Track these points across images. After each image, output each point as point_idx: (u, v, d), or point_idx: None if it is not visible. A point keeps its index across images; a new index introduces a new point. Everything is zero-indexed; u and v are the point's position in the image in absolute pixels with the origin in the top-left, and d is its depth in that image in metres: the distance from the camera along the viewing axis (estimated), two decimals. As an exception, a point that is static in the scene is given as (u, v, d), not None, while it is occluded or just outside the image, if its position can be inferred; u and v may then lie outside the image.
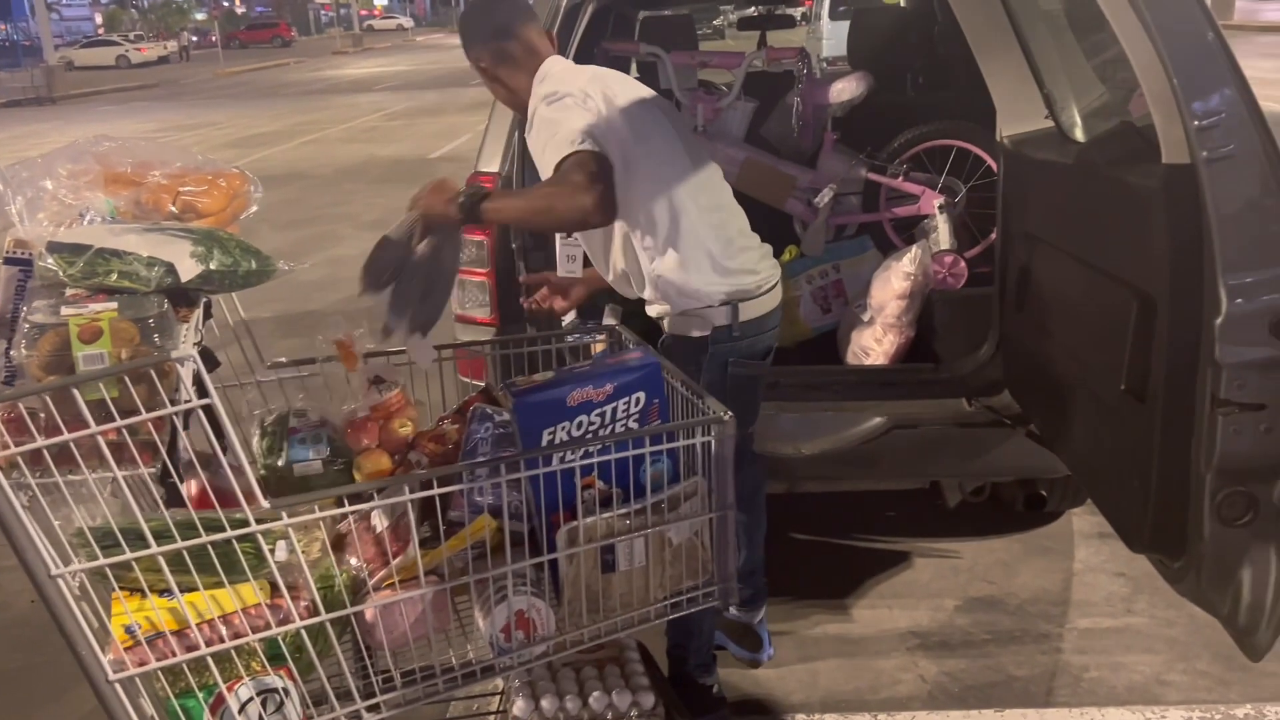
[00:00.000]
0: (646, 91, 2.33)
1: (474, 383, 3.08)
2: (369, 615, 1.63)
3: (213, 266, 1.62)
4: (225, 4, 76.72)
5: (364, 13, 70.12)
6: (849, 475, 3.13)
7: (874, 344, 3.21)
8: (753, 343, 2.34)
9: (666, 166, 2.25)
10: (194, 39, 51.93)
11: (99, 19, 63.36)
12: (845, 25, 5.12)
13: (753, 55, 3.56)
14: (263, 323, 6.65)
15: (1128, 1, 1.54)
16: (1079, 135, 2.56)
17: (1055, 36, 2.66)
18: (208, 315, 1.92)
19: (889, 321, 3.17)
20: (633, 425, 1.85)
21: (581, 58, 3.28)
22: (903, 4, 4.88)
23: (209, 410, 1.46)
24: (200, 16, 65.56)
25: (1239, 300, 1.55)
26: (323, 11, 77.58)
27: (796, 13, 6.29)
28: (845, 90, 3.48)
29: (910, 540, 3.56)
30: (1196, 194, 1.55)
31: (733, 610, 2.76)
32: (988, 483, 3.34)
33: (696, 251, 2.24)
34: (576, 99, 2.16)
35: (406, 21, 73.67)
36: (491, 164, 3.03)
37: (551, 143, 2.11)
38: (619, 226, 2.29)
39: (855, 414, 2.98)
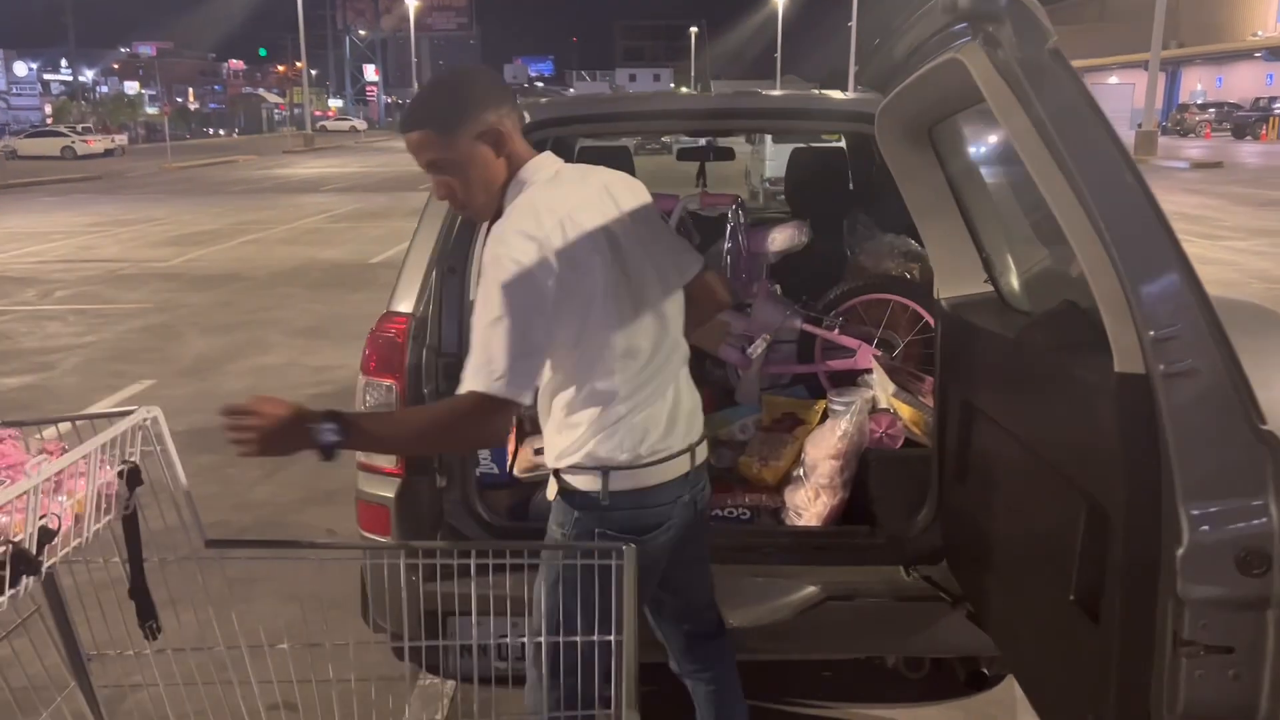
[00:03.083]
0: (598, 239, 2.02)
1: (375, 538, 2.86)
2: None
3: None
4: (179, 100, 77.21)
5: (318, 114, 70.92)
6: (780, 649, 2.90)
7: (807, 504, 3.03)
8: (628, 516, 2.10)
9: (593, 330, 2.02)
10: (142, 133, 51.85)
11: (49, 109, 63.23)
12: (788, 148, 5.10)
13: (687, 199, 3.47)
14: (175, 436, 6.31)
15: (1079, 202, 1.42)
16: (1019, 302, 2.46)
17: (995, 198, 2.58)
18: (137, 483, 1.77)
19: (822, 482, 3.00)
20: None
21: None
22: (841, 143, 4.86)
23: None
24: (152, 111, 65.74)
25: (1204, 529, 1.39)
26: (277, 111, 78.48)
27: (735, 144, 6.31)
28: (780, 240, 3.39)
29: (848, 706, 3.34)
30: (1153, 409, 1.41)
31: None
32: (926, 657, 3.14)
33: (585, 408, 2.05)
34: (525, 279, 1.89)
35: (360, 123, 74.70)
36: (405, 303, 2.83)
37: (477, 352, 1.89)
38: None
39: (788, 581, 2.79)
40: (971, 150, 2.54)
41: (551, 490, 2.17)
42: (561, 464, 2.11)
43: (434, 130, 1.97)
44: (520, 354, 1.88)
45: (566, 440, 2.08)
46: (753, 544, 2.95)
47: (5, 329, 9.29)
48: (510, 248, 1.90)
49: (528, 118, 3.00)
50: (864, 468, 3.04)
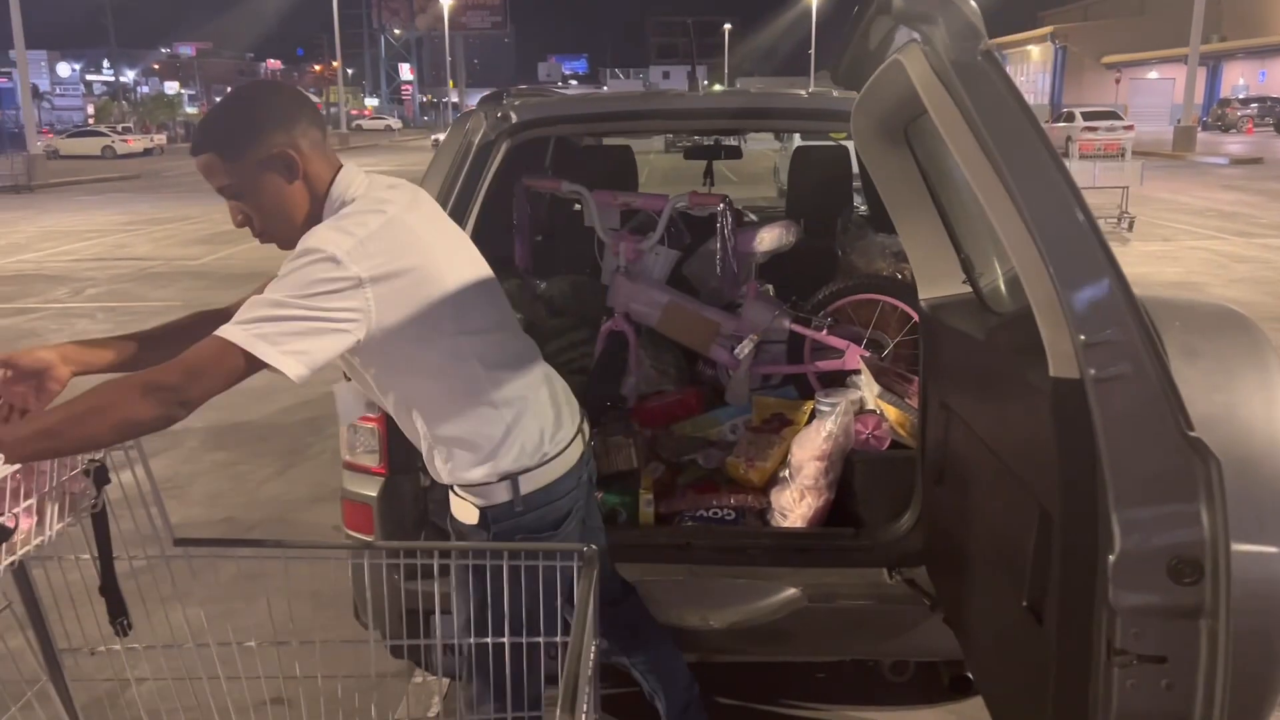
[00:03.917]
0: (434, 246, 1.92)
1: (359, 536, 2.88)
2: None
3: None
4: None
5: (354, 112, 71.45)
6: (761, 651, 2.89)
7: (792, 505, 3.01)
8: (541, 515, 2.06)
9: (465, 333, 1.96)
10: (181, 132, 52.61)
11: (90, 109, 64.30)
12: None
13: (676, 198, 3.45)
14: (193, 433, 6.39)
15: (1012, 206, 1.39)
16: (998, 303, 2.43)
17: (974, 198, 2.54)
18: (104, 481, 1.82)
19: (807, 483, 2.98)
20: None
21: (499, 196, 3.15)
22: (847, 142, 4.81)
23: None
24: (191, 110, 66.61)
25: (1134, 537, 1.36)
26: (313, 110, 79.00)
27: (742, 142, 6.28)
28: (768, 240, 3.37)
29: (838, 708, 3.31)
30: (1087, 414, 1.38)
31: None
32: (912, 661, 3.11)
33: (473, 426, 1.99)
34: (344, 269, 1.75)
35: (395, 122, 75.13)
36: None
37: (237, 316, 1.73)
38: (397, 386, 2.02)
39: (769, 583, 2.78)
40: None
41: (459, 512, 2.10)
42: (465, 484, 2.06)
43: (218, 155, 1.84)
44: (287, 330, 1.72)
45: (463, 461, 2.03)
46: (737, 545, 2.94)
47: (35, 326, 9.46)
48: (322, 241, 1.76)
49: (513, 118, 3.01)
50: (849, 469, 3.02)
